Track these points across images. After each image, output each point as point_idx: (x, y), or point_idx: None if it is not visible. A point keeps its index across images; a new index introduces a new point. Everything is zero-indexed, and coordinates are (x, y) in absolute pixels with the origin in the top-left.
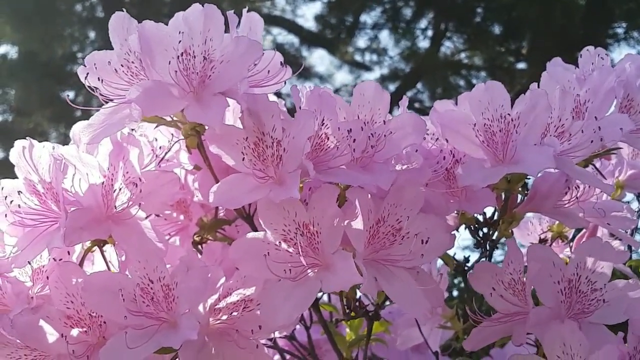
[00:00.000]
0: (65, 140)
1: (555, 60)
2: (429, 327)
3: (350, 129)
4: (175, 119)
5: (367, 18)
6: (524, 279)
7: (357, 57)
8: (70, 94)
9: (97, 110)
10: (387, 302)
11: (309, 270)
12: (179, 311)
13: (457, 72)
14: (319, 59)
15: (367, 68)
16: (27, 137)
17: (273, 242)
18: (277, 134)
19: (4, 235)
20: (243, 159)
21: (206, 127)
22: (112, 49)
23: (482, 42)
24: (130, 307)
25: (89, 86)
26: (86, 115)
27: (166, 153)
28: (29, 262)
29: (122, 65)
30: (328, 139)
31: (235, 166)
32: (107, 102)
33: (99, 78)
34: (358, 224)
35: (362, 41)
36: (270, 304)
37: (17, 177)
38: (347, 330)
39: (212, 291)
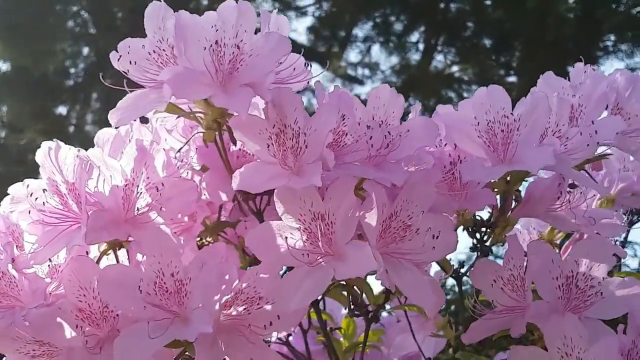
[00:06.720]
0: None
1: (548, 74)
2: (422, 336)
3: (369, 125)
4: (196, 109)
5: (359, 32)
6: (523, 275)
7: (350, 71)
8: (63, 110)
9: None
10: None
11: (321, 259)
12: (191, 306)
13: (448, 85)
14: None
15: (360, 82)
16: None
17: (289, 231)
18: (299, 125)
19: (24, 233)
20: (268, 146)
21: (227, 120)
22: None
23: (473, 55)
24: (146, 299)
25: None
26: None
27: (180, 149)
28: (49, 259)
29: (153, 51)
30: (345, 135)
31: (258, 154)
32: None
33: (130, 61)
34: (372, 216)
35: (353, 55)
36: (284, 288)
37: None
38: (342, 339)
39: (225, 288)
